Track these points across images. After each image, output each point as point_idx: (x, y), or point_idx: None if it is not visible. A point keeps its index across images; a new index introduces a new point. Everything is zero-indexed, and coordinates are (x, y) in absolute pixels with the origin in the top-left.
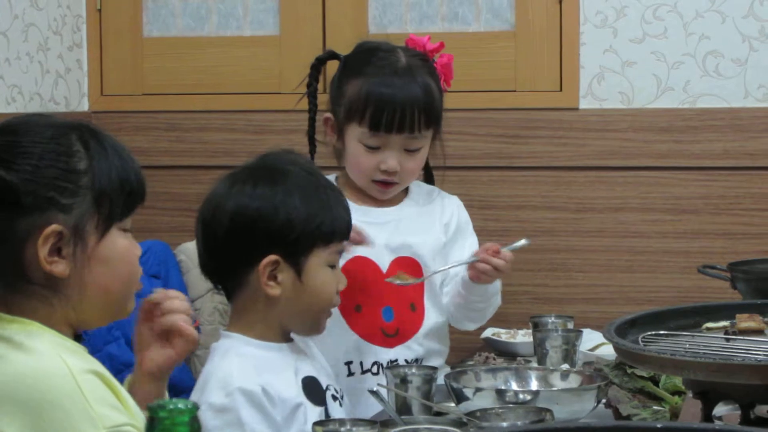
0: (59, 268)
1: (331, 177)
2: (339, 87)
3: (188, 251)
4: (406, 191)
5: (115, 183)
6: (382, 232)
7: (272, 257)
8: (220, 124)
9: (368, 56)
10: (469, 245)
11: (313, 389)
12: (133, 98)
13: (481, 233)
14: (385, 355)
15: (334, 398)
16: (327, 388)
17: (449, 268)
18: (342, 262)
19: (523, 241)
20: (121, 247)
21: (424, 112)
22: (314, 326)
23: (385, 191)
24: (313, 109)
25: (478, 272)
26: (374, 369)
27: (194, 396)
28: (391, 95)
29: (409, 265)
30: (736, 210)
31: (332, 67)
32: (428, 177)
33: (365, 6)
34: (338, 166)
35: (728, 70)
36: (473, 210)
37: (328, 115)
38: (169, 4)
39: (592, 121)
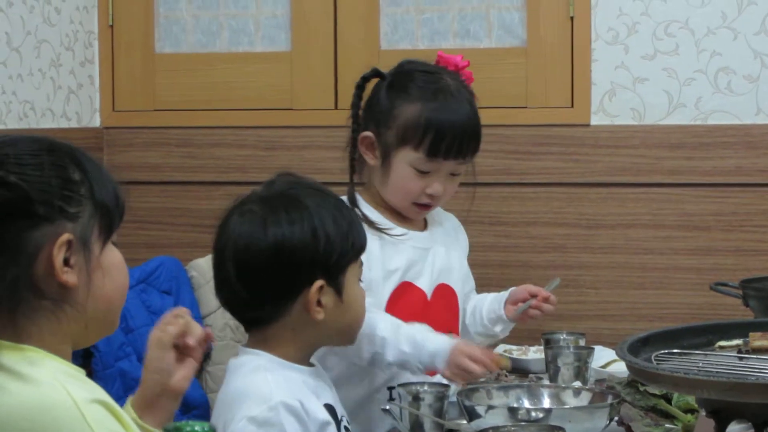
0: (71, 278)
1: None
2: (388, 109)
3: (200, 267)
4: None
5: (110, 194)
6: (426, 258)
7: (319, 282)
8: (231, 139)
9: (414, 77)
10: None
11: (331, 416)
12: (144, 114)
13: (492, 249)
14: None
15: (347, 429)
16: (341, 419)
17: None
18: (391, 288)
19: (557, 281)
20: (118, 259)
21: (475, 137)
22: (350, 337)
23: (422, 212)
24: (357, 129)
25: (526, 316)
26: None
27: (221, 411)
28: (451, 122)
29: (447, 293)
30: (748, 227)
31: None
32: None
33: (377, 22)
34: (353, 182)
35: (740, 86)
36: (484, 226)
37: (368, 134)
38: (180, 20)
39: (604, 137)
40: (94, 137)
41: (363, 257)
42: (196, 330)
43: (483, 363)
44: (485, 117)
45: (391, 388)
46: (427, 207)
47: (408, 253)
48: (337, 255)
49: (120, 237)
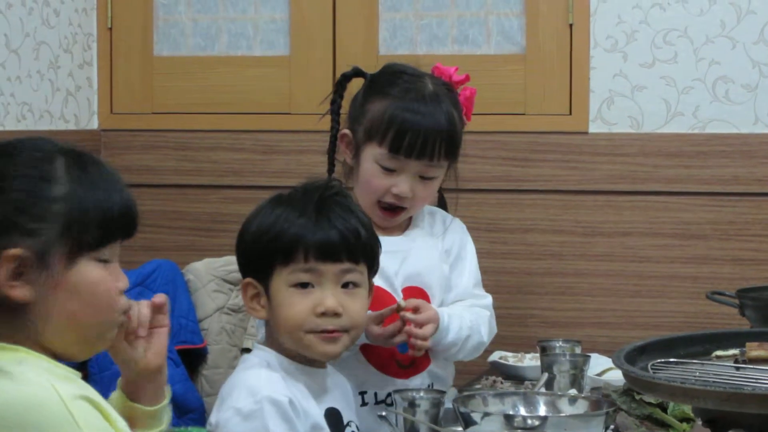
0: (19, 292)
1: None
2: (362, 105)
3: (196, 271)
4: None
5: (90, 212)
6: (393, 261)
7: (247, 279)
8: (229, 143)
9: (395, 78)
10: (467, 269)
11: (333, 421)
12: (142, 117)
13: (489, 256)
14: (402, 386)
15: None
16: (348, 424)
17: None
18: None
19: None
20: (93, 277)
21: (446, 141)
22: (304, 349)
23: (390, 219)
24: (335, 127)
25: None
26: (389, 400)
27: (215, 405)
28: (415, 120)
29: (418, 294)
30: (745, 236)
31: (352, 86)
32: (441, 203)
33: (376, 27)
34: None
35: (738, 95)
36: (481, 233)
37: (346, 131)
38: (179, 23)
39: (602, 145)
40: (92, 139)
41: None
42: (143, 312)
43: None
44: (483, 123)
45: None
46: (393, 212)
47: None
48: (257, 254)
49: None
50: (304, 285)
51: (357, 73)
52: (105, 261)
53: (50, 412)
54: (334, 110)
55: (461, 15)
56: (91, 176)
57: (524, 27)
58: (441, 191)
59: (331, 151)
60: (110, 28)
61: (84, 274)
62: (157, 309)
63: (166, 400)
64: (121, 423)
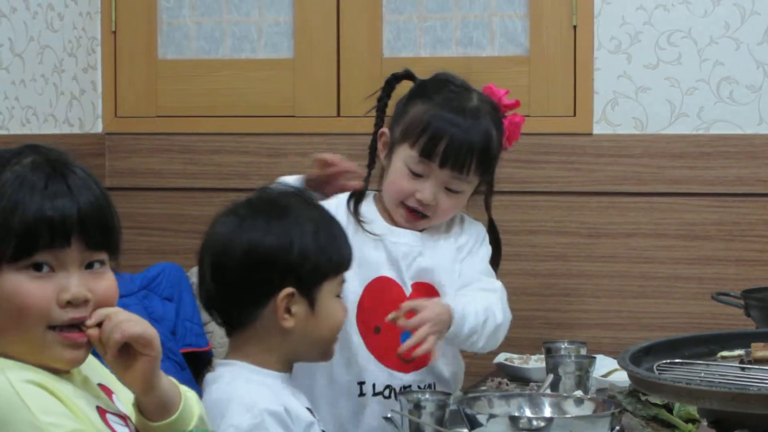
0: None
1: (370, 193)
2: (405, 105)
3: None
4: None
5: (6, 221)
6: (406, 255)
7: (288, 290)
8: (233, 146)
9: (442, 86)
10: (477, 262)
11: None
12: (147, 120)
13: None
14: (400, 380)
15: None
16: (317, 422)
17: None
18: (366, 282)
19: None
20: (11, 287)
21: (478, 156)
22: (326, 354)
23: (413, 221)
24: (379, 125)
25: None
26: (386, 392)
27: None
28: (451, 129)
29: (427, 291)
30: (750, 236)
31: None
32: (492, 234)
33: (379, 30)
34: (369, 178)
35: (742, 96)
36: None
37: (385, 129)
38: (183, 26)
39: (606, 146)
40: (96, 143)
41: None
42: (113, 338)
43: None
44: None
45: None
46: (417, 216)
47: (390, 249)
48: (310, 266)
49: (122, 243)
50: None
51: (407, 75)
52: (39, 269)
53: None
54: (380, 108)
55: (465, 17)
56: (29, 182)
57: (528, 29)
58: (494, 224)
59: (372, 149)
60: (114, 32)
61: (4, 284)
62: (143, 342)
63: (175, 415)
64: (82, 407)
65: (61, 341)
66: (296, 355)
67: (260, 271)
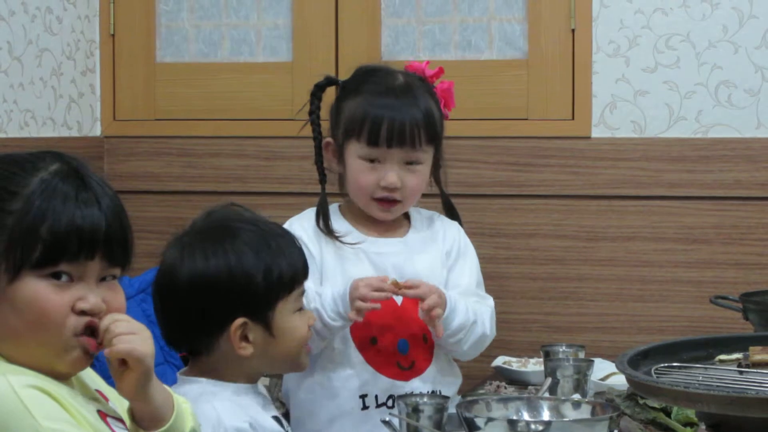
0: None
1: (334, 206)
2: (337, 108)
3: None
4: (408, 219)
5: (41, 228)
6: (392, 263)
7: (240, 320)
8: (232, 149)
9: (366, 77)
10: (468, 268)
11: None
12: (145, 123)
13: (492, 261)
14: (401, 388)
15: None
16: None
17: None
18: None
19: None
20: (31, 293)
21: (423, 126)
22: (295, 366)
23: (388, 210)
24: (318, 137)
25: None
26: (389, 402)
27: None
28: (389, 109)
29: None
30: (749, 240)
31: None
32: (449, 210)
33: (378, 33)
34: (341, 194)
35: (741, 100)
36: (484, 237)
37: (329, 139)
38: (182, 29)
39: (604, 150)
40: (95, 146)
41: (319, 272)
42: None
43: (371, 285)
44: (485, 128)
45: (363, 396)
46: (389, 203)
47: (375, 261)
48: (259, 291)
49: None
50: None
51: (330, 81)
52: (58, 278)
53: (1, 403)
54: (314, 120)
55: (464, 20)
56: (55, 190)
57: (526, 32)
58: (449, 199)
59: (319, 161)
60: (113, 35)
61: (23, 290)
62: (132, 358)
63: (165, 426)
64: (85, 414)
65: (81, 345)
66: (262, 372)
67: (207, 301)
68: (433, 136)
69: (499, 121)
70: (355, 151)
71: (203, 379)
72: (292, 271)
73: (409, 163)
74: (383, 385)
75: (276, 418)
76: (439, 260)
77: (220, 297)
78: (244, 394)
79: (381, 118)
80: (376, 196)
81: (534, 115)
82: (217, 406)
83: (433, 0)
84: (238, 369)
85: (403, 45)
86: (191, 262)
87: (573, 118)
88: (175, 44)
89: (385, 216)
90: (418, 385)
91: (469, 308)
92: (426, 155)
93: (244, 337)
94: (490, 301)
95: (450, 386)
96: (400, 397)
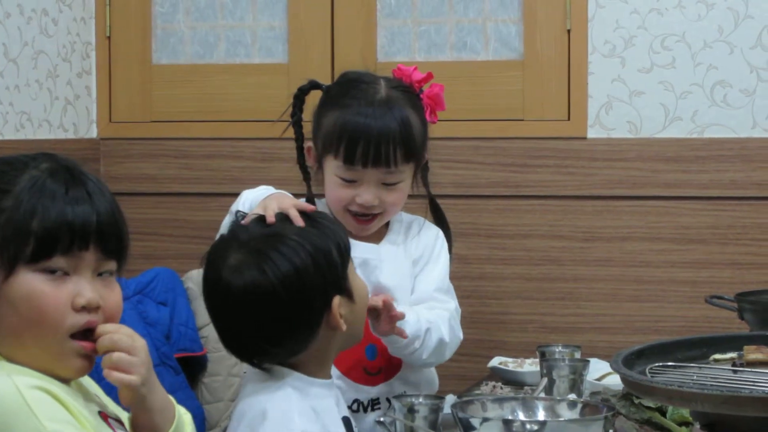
0: None
1: (322, 201)
2: (318, 117)
3: (196, 279)
4: (386, 225)
5: (25, 223)
6: (363, 269)
7: (337, 300)
8: (228, 151)
9: (348, 87)
10: (436, 273)
11: (348, 429)
12: (141, 125)
13: (487, 262)
14: (366, 393)
15: None
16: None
17: None
18: None
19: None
20: (28, 288)
21: (401, 145)
22: (361, 334)
23: (363, 227)
24: (299, 139)
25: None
26: (354, 406)
27: (238, 424)
28: (364, 128)
29: None
30: (744, 240)
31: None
32: (436, 213)
33: (374, 34)
34: (312, 194)
35: (736, 100)
36: (480, 238)
37: (310, 144)
38: (178, 31)
39: (600, 150)
40: (91, 148)
41: None
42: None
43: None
44: (481, 129)
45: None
46: (365, 220)
47: None
48: (339, 265)
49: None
50: None
51: (313, 86)
52: (53, 273)
53: (5, 402)
54: (296, 123)
55: (459, 21)
56: (44, 188)
57: (522, 33)
58: (436, 202)
59: (301, 162)
60: (109, 37)
61: (19, 285)
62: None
63: None
64: (88, 416)
65: (77, 350)
66: (342, 348)
67: (304, 299)
68: (412, 153)
69: (494, 122)
70: (332, 166)
71: (290, 370)
72: (345, 238)
73: (387, 183)
74: (349, 389)
75: (346, 419)
76: (407, 270)
77: (315, 286)
78: (328, 391)
79: (356, 140)
80: (351, 209)
81: (530, 115)
82: (295, 403)
83: (429, 1)
84: (325, 356)
85: (398, 46)
86: (276, 268)
87: (569, 119)
88: (170, 46)
89: (360, 232)
90: (384, 390)
91: (421, 317)
92: (405, 173)
93: (340, 314)
94: (450, 305)
95: (425, 389)
96: (396, 397)
